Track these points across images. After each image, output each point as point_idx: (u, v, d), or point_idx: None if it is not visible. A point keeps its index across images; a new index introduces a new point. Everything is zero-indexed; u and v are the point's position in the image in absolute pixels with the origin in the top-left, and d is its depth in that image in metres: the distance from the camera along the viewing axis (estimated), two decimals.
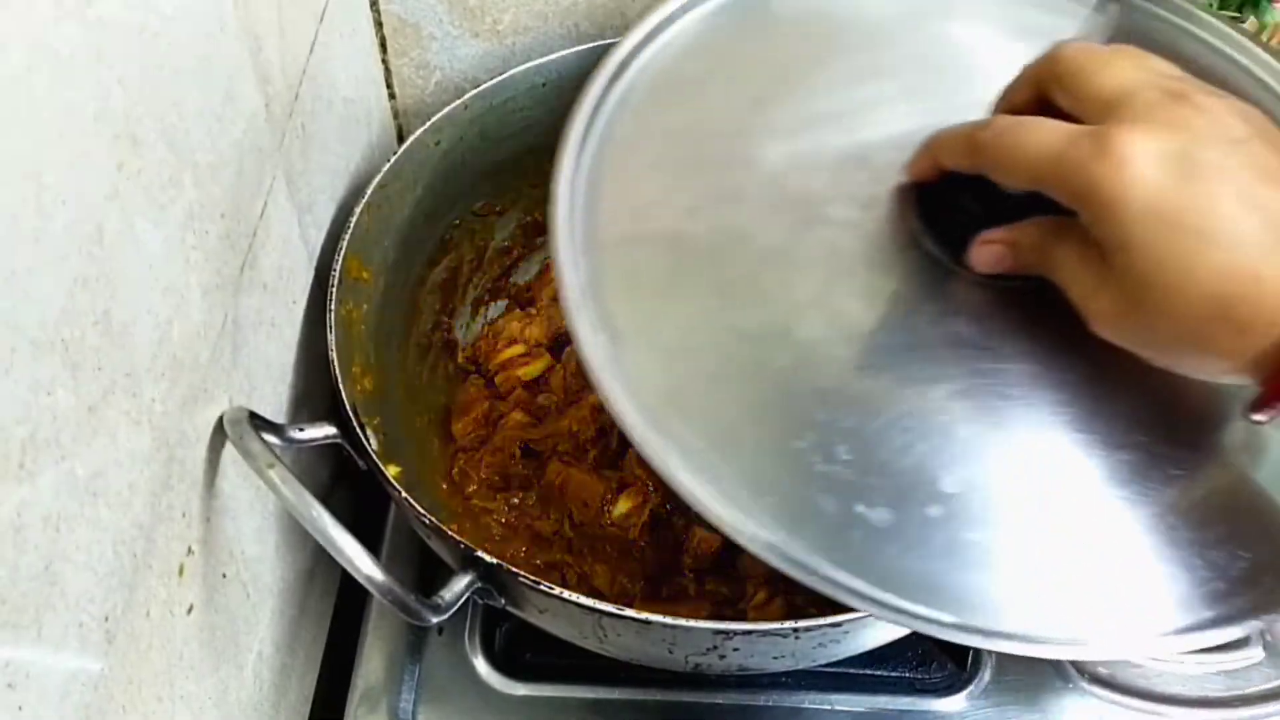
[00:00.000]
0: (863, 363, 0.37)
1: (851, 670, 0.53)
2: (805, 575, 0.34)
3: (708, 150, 0.42)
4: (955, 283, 0.38)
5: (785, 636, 0.41)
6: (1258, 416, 0.34)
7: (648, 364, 0.37)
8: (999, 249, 0.37)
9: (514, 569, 0.41)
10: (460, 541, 0.41)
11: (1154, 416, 0.38)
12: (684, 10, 0.44)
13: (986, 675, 0.54)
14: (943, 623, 0.34)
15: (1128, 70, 0.35)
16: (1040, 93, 0.37)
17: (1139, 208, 0.32)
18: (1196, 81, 0.35)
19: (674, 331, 0.38)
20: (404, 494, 0.42)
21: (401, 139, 0.63)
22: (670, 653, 0.44)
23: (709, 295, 0.38)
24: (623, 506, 0.55)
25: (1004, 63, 0.40)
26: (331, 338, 0.48)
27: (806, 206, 0.40)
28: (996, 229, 0.38)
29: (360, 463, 0.44)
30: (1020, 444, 0.37)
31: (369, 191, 0.53)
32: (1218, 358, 0.33)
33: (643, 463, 0.37)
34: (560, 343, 0.64)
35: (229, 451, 0.41)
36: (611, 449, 0.58)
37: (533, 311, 0.66)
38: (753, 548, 0.34)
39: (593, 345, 0.36)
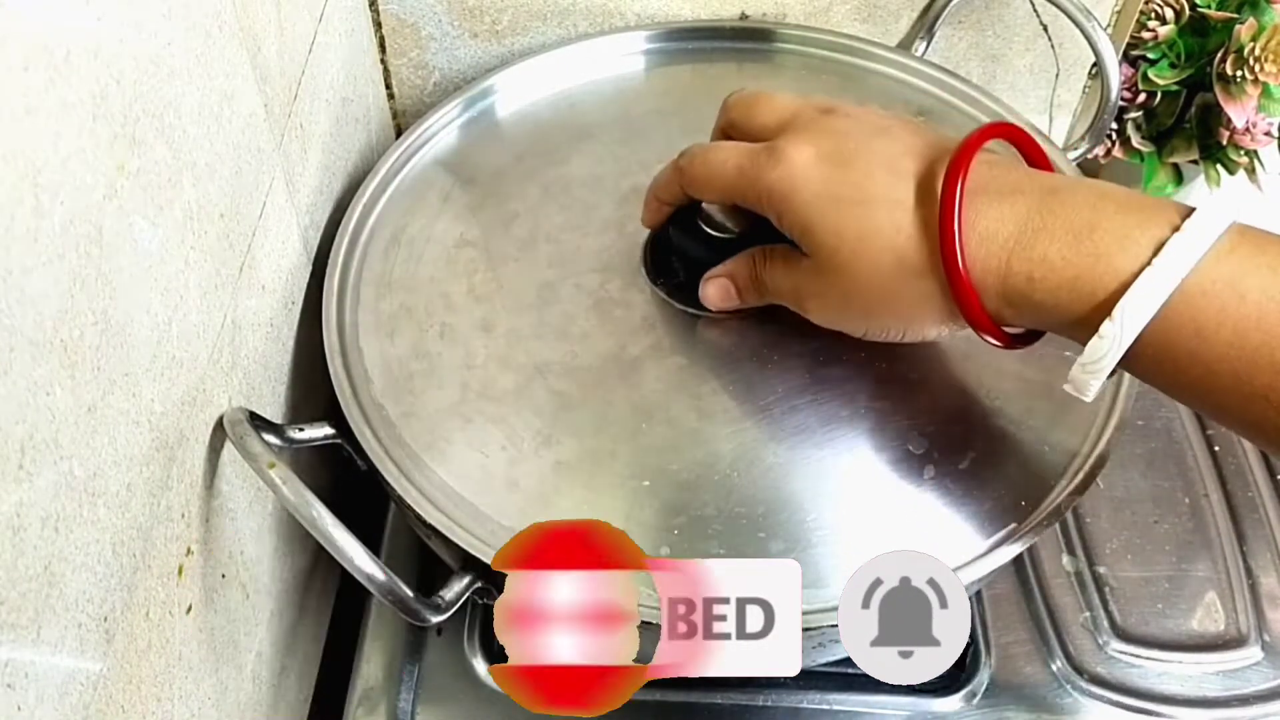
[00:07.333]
0: (592, 395, 0.44)
1: (851, 670, 0.52)
2: None
3: (457, 267, 0.49)
4: (681, 322, 0.46)
5: None
6: (992, 341, 0.38)
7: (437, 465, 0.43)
8: (722, 282, 0.44)
9: None
10: (459, 542, 0.41)
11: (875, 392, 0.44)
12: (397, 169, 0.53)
13: (985, 675, 0.54)
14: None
15: (786, 101, 0.42)
16: (726, 136, 0.44)
17: (810, 194, 0.38)
18: (844, 101, 0.42)
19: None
20: (403, 494, 0.42)
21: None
22: None
23: (458, 382, 0.45)
24: None
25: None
26: (330, 338, 0.48)
27: (549, 289, 0.48)
28: (717, 266, 0.44)
29: (360, 463, 0.44)
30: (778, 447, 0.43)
31: (368, 192, 0.53)
32: (914, 310, 0.39)
33: None
34: None
35: (228, 452, 0.41)
36: None
37: None
38: None
39: (390, 466, 0.43)
